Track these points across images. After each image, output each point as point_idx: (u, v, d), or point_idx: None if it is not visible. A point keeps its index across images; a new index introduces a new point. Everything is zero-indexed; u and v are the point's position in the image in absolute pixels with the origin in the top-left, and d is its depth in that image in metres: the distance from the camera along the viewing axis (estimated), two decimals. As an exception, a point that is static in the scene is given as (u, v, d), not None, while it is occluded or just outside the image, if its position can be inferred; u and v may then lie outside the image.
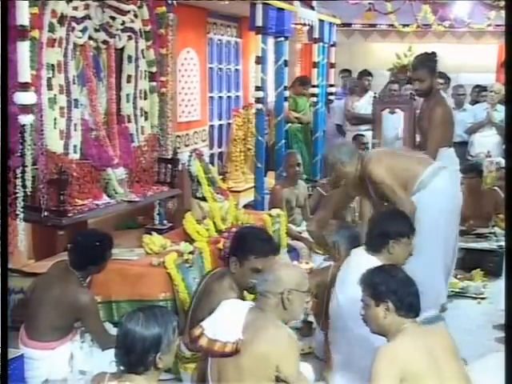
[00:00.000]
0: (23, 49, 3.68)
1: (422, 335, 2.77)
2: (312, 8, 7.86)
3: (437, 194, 4.41)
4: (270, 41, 6.85)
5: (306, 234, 5.91)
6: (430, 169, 4.47)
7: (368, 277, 2.94)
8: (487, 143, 7.80)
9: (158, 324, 2.45)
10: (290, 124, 8.21)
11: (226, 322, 2.91)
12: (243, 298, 3.59)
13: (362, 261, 3.49)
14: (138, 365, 2.44)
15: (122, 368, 2.47)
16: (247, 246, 3.59)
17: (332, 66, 8.88)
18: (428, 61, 5.00)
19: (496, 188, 6.50)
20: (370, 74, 8.39)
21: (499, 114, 7.50)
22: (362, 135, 7.47)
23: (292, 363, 2.85)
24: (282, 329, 2.89)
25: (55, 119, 4.35)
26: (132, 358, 2.43)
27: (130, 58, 5.16)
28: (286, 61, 7.13)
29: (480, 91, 8.50)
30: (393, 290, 2.80)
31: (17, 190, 3.75)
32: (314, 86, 8.08)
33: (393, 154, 4.74)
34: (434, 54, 5.06)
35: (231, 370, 2.84)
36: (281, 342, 2.83)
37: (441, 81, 8.04)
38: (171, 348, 2.49)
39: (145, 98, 5.31)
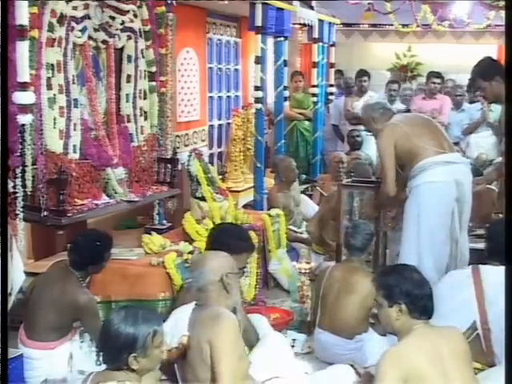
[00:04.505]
0: (22, 48, 3.68)
1: (431, 337, 2.73)
2: (311, 8, 7.87)
3: (429, 186, 4.40)
4: (270, 41, 6.85)
5: (306, 234, 5.92)
6: (436, 158, 4.43)
7: (382, 277, 2.91)
8: (484, 144, 7.78)
9: (134, 325, 2.48)
10: (295, 122, 8.21)
11: (176, 327, 2.98)
12: None
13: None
14: (112, 361, 2.50)
15: (101, 361, 2.53)
16: (221, 242, 3.61)
17: (332, 65, 8.88)
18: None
19: (493, 187, 6.48)
20: (366, 74, 8.37)
21: (494, 113, 7.46)
22: (357, 130, 7.48)
23: (223, 339, 2.85)
24: (214, 310, 2.95)
25: (55, 119, 4.36)
26: (106, 353, 2.50)
27: (129, 57, 5.17)
28: (285, 61, 7.12)
29: (476, 91, 8.48)
30: (407, 293, 2.76)
31: (16, 190, 3.75)
32: (313, 86, 8.08)
33: (412, 129, 4.55)
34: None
35: (188, 368, 2.92)
36: (212, 320, 2.89)
37: (437, 80, 8.07)
38: (149, 353, 2.50)
39: (144, 98, 5.32)
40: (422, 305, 2.77)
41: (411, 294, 2.77)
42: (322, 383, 3.55)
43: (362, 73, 8.41)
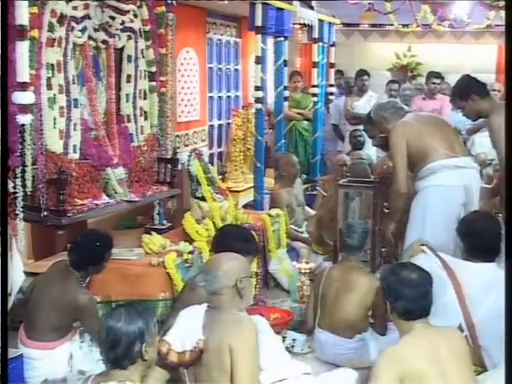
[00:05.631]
0: (22, 48, 3.68)
1: (429, 337, 2.73)
2: (311, 8, 7.87)
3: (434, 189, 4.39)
4: (270, 41, 6.86)
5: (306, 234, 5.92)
6: (446, 162, 4.40)
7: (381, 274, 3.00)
8: (487, 143, 7.76)
9: (140, 317, 2.56)
10: (293, 122, 8.22)
11: (189, 330, 2.92)
12: None
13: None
14: (124, 358, 2.54)
15: (108, 365, 2.56)
16: (227, 244, 3.59)
17: (332, 65, 8.89)
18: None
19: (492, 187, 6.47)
20: (366, 74, 8.36)
21: None
22: (359, 130, 7.48)
23: (245, 345, 2.83)
24: (235, 315, 2.93)
25: (55, 119, 4.36)
26: (118, 352, 2.53)
27: (129, 57, 5.17)
28: (285, 61, 7.13)
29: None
30: (390, 291, 2.80)
31: (16, 190, 3.75)
32: (313, 86, 8.08)
33: (424, 128, 4.51)
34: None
35: (203, 371, 2.88)
36: (234, 324, 2.87)
37: (437, 81, 8.07)
38: (153, 341, 2.62)
39: (144, 98, 5.32)
40: (401, 306, 2.76)
41: (393, 293, 2.79)
42: None
43: (362, 72, 8.41)
